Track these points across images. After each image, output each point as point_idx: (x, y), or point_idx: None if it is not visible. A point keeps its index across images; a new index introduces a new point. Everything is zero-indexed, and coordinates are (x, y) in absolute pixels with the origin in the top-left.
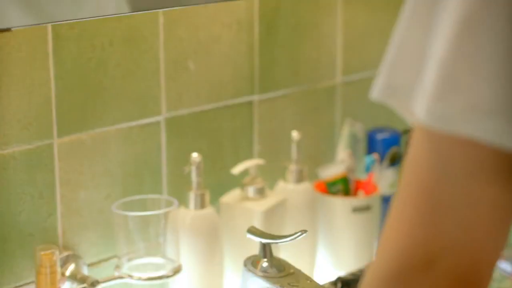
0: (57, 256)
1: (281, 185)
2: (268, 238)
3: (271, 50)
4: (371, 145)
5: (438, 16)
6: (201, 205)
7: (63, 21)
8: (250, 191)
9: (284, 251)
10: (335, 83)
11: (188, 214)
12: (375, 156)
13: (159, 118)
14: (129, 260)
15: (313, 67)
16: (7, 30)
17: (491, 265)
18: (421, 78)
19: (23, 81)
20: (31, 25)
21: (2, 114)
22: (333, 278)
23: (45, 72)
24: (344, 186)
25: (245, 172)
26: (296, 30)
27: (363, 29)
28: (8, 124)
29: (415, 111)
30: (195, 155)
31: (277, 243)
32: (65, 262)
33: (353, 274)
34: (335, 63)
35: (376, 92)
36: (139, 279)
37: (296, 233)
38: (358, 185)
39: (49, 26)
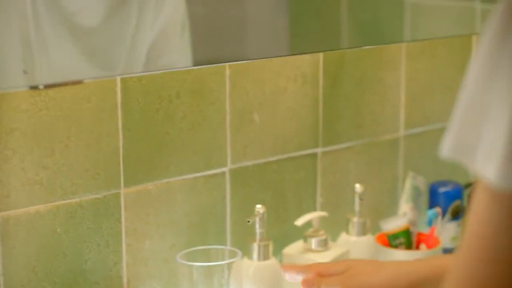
0: None
1: (343, 237)
2: None
3: (335, 103)
4: (434, 198)
5: (504, 80)
6: (265, 256)
7: (132, 74)
8: (313, 243)
9: None
10: (398, 136)
11: (251, 265)
12: (437, 209)
13: (224, 169)
14: None
15: (377, 120)
16: (79, 82)
17: None
18: (489, 139)
19: (92, 132)
20: (102, 77)
21: (71, 163)
22: None
23: (114, 123)
24: (406, 239)
25: (308, 224)
26: (360, 83)
27: (426, 83)
28: (77, 173)
29: (482, 171)
30: (259, 206)
31: None
32: None
33: None
34: (398, 116)
35: (446, 150)
36: None
37: None
38: (420, 239)
39: (118, 78)
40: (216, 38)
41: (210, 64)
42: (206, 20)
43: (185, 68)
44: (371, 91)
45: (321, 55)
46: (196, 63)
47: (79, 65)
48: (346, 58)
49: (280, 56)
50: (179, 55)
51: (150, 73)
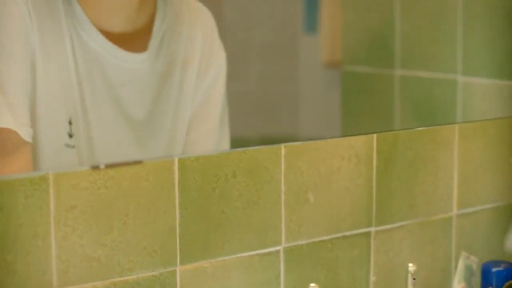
0: None
1: None
2: None
3: (389, 182)
4: (486, 278)
5: None
6: None
7: (191, 155)
8: None
9: None
10: (451, 216)
11: None
12: None
13: (279, 248)
14: None
15: (429, 199)
16: (139, 162)
17: None
18: None
19: (149, 210)
20: (161, 158)
21: (128, 240)
22: None
23: (171, 201)
24: None
25: None
26: (413, 163)
27: (478, 163)
28: (134, 250)
29: None
30: (313, 285)
31: None
32: None
33: None
34: (451, 196)
35: (510, 245)
36: None
37: None
38: None
39: (176, 158)
40: (269, 117)
41: (269, 145)
42: (259, 99)
43: (244, 149)
44: (424, 171)
45: (374, 135)
46: (255, 144)
47: (140, 146)
48: (399, 138)
49: (333, 138)
50: (218, 136)
51: (212, 154)
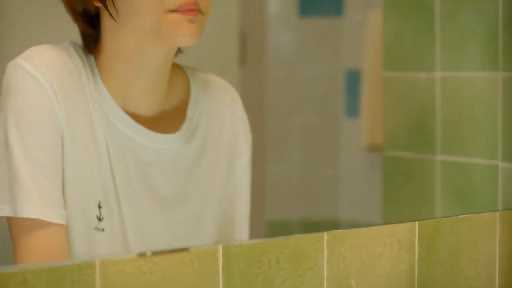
0: None
1: None
2: None
3: (431, 269)
4: None
5: None
6: None
7: (235, 242)
8: None
9: None
10: None
11: None
12: None
13: None
14: None
15: (472, 285)
16: (185, 249)
17: None
18: None
19: None
20: (206, 245)
21: None
22: None
23: (215, 287)
24: None
25: None
26: (455, 249)
27: None
28: None
29: None
30: None
31: None
32: None
33: None
34: (493, 282)
35: None
36: None
37: None
38: None
39: (220, 245)
40: (310, 201)
41: (302, 228)
42: (300, 182)
43: (288, 237)
44: (466, 257)
45: (416, 222)
46: (284, 227)
47: (188, 234)
48: (441, 225)
49: (375, 225)
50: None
51: (251, 242)
